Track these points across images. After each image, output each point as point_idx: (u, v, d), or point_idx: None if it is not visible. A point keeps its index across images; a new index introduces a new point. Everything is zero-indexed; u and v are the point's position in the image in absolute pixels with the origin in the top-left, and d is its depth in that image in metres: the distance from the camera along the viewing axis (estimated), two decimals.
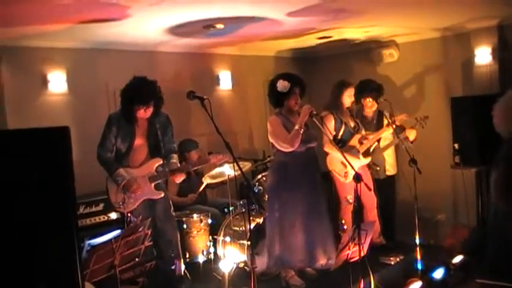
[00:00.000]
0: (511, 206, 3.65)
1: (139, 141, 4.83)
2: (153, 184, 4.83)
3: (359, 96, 5.92)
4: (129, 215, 4.83)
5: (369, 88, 6.00)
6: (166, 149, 4.98)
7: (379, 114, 6.09)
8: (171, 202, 5.07)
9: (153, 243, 4.69)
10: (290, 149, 4.79)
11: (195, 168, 5.51)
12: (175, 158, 5.04)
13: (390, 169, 6.27)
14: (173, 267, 4.95)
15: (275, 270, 5.08)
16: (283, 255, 4.92)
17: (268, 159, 6.13)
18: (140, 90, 4.65)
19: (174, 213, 5.07)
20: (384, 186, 6.18)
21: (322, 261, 4.94)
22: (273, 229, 4.96)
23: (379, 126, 6.03)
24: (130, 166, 4.82)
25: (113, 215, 5.54)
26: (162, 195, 4.89)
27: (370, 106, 6.03)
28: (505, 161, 3.66)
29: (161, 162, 4.88)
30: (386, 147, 6.10)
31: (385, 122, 5.86)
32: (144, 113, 4.74)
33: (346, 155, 4.56)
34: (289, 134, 4.77)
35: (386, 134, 5.90)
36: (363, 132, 5.75)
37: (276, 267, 5.03)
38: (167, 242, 4.92)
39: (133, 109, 4.71)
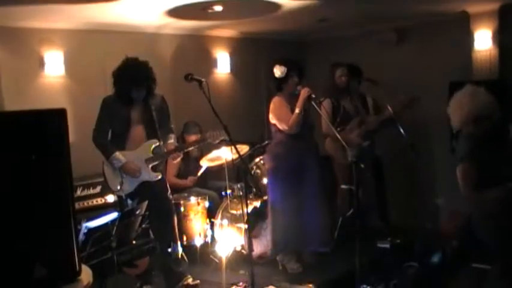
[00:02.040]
0: (484, 202, 3.70)
1: (134, 123, 4.81)
2: (150, 166, 4.82)
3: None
4: (125, 197, 4.83)
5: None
6: (163, 129, 4.96)
7: (363, 98, 6.03)
8: (168, 184, 5.06)
9: (150, 226, 4.69)
10: (290, 132, 4.80)
11: (191, 148, 5.46)
12: (172, 138, 5.02)
13: (376, 150, 6.22)
14: (170, 249, 4.95)
15: (275, 253, 5.10)
16: (281, 239, 4.94)
17: (266, 142, 6.12)
18: (132, 71, 4.62)
19: (171, 196, 5.06)
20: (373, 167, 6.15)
21: (318, 244, 4.96)
22: (273, 211, 4.98)
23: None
24: (127, 149, 4.79)
25: (110, 198, 5.54)
26: (160, 177, 4.88)
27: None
28: (467, 158, 3.70)
29: (158, 143, 4.85)
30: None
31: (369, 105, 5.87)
32: (137, 95, 4.70)
33: (346, 138, 4.57)
34: (291, 115, 4.77)
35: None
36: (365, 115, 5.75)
37: (275, 251, 5.05)
38: (163, 224, 4.91)
39: (126, 91, 4.68)
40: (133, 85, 4.64)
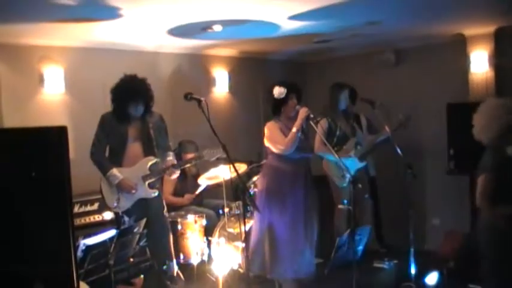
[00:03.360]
0: (497, 215, 3.71)
1: (132, 140, 4.83)
2: (146, 183, 4.83)
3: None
4: (121, 214, 4.83)
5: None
6: (161, 147, 4.98)
7: (356, 117, 6.07)
8: (164, 202, 5.07)
9: (148, 243, 4.69)
10: (286, 152, 4.78)
11: (189, 165, 5.48)
12: (171, 156, 5.04)
13: (371, 170, 6.24)
14: (164, 267, 4.94)
15: (258, 273, 5.02)
16: (270, 263, 4.88)
17: (264, 161, 6.14)
18: (130, 88, 4.67)
19: (167, 214, 5.07)
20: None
21: (306, 270, 4.90)
22: (260, 234, 4.91)
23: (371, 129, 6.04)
24: (124, 165, 4.82)
25: (108, 215, 5.53)
26: (156, 193, 4.89)
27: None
28: (492, 169, 3.72)
29: (154, 161, 4.88)
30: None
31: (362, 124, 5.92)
32: (134, 111, 4.74)
33: (342, 158, 4.58)
34: (283, 138, 4.77)
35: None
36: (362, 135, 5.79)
37: (258, 272, 4.97)
38: (158, 242, 4.91)
39: (123, 107, 4.72)
40: (130, 101, 4.68)
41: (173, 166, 4.93)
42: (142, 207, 4.83)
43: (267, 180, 4.95)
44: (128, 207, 4.81)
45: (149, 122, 4.86)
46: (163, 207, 5.02)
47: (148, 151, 4.88)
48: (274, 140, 4.85)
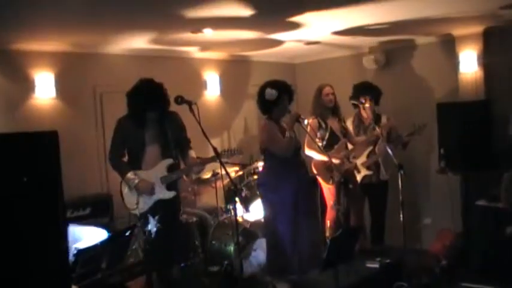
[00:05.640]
0: None
1: (149, 143, 4.83)
2: (164, 184, 4.84)
3: (354, 99, 5.94)
4: (147, 215, 4.83)
5: (363, 89, 6.05)
6: (181, 146, 4.98)
7: (377, 118, 6.11)
8: (181, 205, 5.10)
9: (158, 245, 4.74)
10: (284, 155, 4.83)
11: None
12: (193, 153, 5.01)
13: (384, 173, 6.21)
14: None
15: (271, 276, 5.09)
16: (275, 263, 4.94)
17: (255, 164, 6.16)
18: (146, 92, 4.67)
19: (182, 217, 5.07)
20: (377, 191, 6.17)
21: (308, 265, 4.96)
22: (272, 234, 4.99)
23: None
24: (143, 168, 4.82)
25: (101, 219, 5.52)
26: (175, 194, 4.91)
27: (365, 109, 6.00)
28: None
29: (172, 162, 4.88)
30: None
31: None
32: (151, 115, 4.75)
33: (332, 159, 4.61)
34: (282, 138, 4.80)
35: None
36: (353, 136, 5.82)
37: (270, 274, 5.04)
38: (173, 243, 4.92)
39: (140, 111, 4.72)
40: (147, 106, 4.68)
41: (195, 165, 4.93)
42: (163, 208, 4.85)
43: (268, 180, 5.00)
44: (146, 209, 4.81)
45: (166, 124, 4.85)
46: (180, 209, 5.07)
47: (166, 153, 4.87)
48: (273, 141, 4.88)
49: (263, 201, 5.15)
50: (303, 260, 4.96)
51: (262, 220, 5.23)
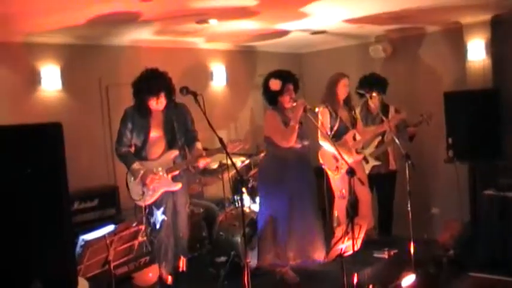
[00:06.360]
0: None
1: (155, 133, 4.81)
2: (170, 176, 4.83)
3: (362, 90, 5.90)
4: (152, 207, 4.83)
5: (371, 82, 6.01)
6: (189, 137, 4.97)
7: (385, 108, 6.07)
8: (187, 197, 5.10)
9: (166, 236, 4.77)
10: (286, 144, 4.80)
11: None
12: (199, 145, 4.98)
13: (393, 164, 6.18)
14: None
15: (266, 266, 5.08)
16: (275, 252, 4.93)
17: (262, 154, 6.14)
18: (149, 81, 4.65)
19: (188, 209, 5.08)
20: (385, 181, 6.17)
21: (312, 257, 4.94)
22: (264, 225, 4.96)
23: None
24: (149, 159, 4.81)
25: (108, 211, 5.54)
26: (180, 185, 4.90)
27: (373, 100, 5.96)
28: None
29: (177, 153, 4.87)
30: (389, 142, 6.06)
31: (390, 116, 5.89)
32: (156, 105, 4.73)
33: (339, 149, 4.59)
34: (286, 129, 4.78)
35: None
36: (361, 127, 5.78)
37: (266, 263, 5.03)
38: (175, 236, 4.93)
39: (144, 101, 4.70)
40: (152, 95, 4.66)
41: (200, 156, 4.91)
42: (169, 199, 4.85)
43: (269, 170, 4.98)
44: (152, 200, 4.81)
45: (172, 115, 4.84)
46: (187, 201, 5.05)
47: (172, 144, 4.86)
48: (275, 131, 4.86)
49: (259, 189, 5.13)
50: (303, 251, 4.94)
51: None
